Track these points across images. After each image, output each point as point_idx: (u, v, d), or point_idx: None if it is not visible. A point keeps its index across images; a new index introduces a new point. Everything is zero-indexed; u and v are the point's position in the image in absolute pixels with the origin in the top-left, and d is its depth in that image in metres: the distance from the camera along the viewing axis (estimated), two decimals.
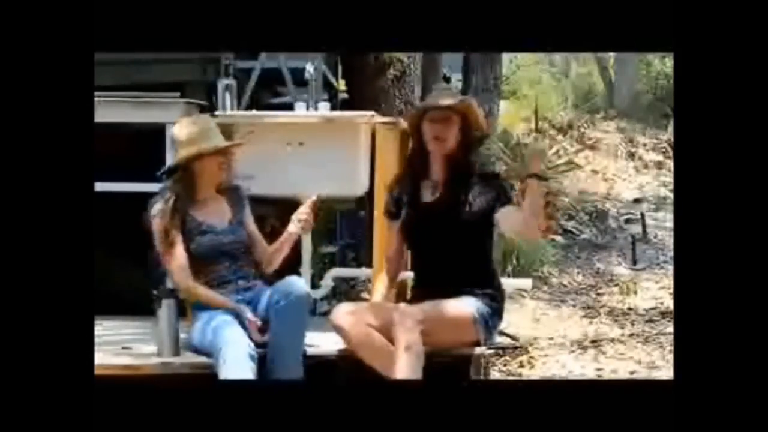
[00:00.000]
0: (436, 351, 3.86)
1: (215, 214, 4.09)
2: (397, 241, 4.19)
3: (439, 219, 4.03)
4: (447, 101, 4.04)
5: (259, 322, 3.86)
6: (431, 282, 4.04)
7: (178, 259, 3.98)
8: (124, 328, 4.76)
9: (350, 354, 3.92)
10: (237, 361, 3.65)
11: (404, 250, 4.20)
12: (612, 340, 6.20)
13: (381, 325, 3.87)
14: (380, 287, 4.17)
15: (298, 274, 4.55)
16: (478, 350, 3.99)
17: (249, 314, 3.88)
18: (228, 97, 5.06)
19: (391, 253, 4.22)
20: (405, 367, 3.73)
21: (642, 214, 9.85)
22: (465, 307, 3.94)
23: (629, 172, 12.20)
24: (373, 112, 5.15)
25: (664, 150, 12.61)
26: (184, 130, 4.10)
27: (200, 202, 4.09)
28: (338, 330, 3.91)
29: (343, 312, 3.93)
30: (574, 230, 9.48)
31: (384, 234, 4.37)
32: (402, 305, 3.98)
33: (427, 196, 4.08)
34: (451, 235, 4.01)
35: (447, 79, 10.93)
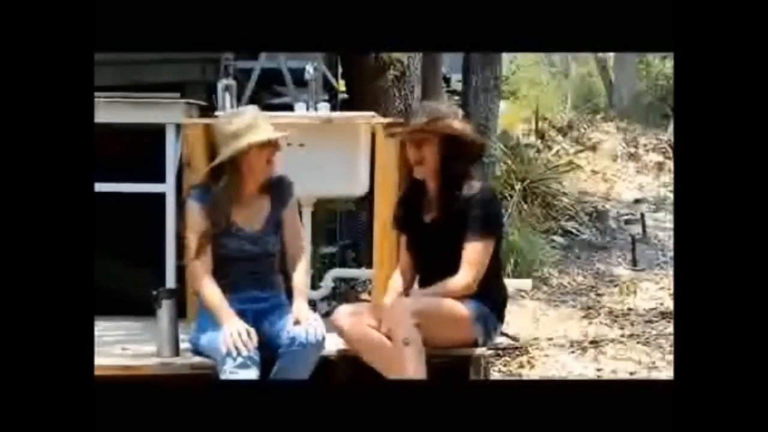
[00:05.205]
0: (435, 351, 3.86)
1: (251, 215, 3.92)
2: (406, 255, 4.18)
3: (438, 239, 4.00)
4: (415, 122, 3.95)
5: (253, 342, 3.69)
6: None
7: (201, 251, 3.84)
8: (124, 328, 4.76)
9: (351, 354, 3.93)
10: (238, 364, 3.63)
11: (414, 264, 4.20)
12: (612, 340, 6.19)
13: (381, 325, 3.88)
14: (392, 294, 4.12)
15: None
16: (478, 350, 3.98)
17: (244, 331, 3.68)
18: (228, 97, 5.05)
19: (402, 267, 4.18)
20: (405, 361, 3.71)
21: (642, 215, 9.84)
22: (462, 303, 3.93)
23: (629, 172, 12.19)
24: (373, 113, 5.15)
25: (664, 150, 12.60)
26: (230, 123, 3.88)
27: (241, 201, 3.91)
28: (339, 331, 3.93)
29: (344, 313, 3.95)
30: (574, 230, 9.47)
31: (394, 245, 4.35)
32: (395, 299, 3.99)
33: (426, 216, 4.06)
34: (452, 252, 3.97)
35: (447, 80, 10.95)
